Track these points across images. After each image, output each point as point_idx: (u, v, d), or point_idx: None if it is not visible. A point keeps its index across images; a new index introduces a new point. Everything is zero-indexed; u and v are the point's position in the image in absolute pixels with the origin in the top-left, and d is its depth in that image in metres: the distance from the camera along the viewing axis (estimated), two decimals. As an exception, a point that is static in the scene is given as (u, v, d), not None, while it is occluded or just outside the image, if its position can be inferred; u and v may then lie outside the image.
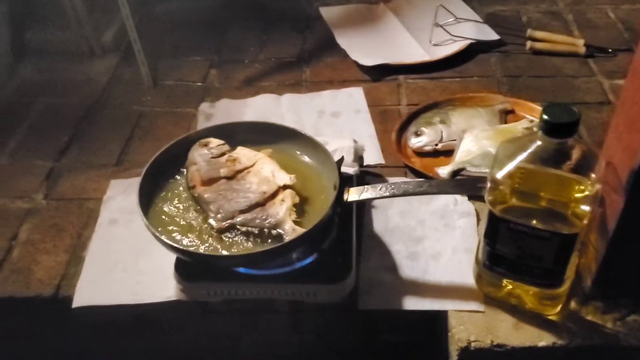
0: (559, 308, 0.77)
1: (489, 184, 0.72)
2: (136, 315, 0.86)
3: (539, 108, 1.10)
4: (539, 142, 0.68)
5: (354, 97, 1.21)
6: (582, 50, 1.27)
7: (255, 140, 0.91)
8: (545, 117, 0.65)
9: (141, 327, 0.91)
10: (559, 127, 0.65)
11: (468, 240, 0.88)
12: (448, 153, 1.04)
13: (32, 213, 0.99)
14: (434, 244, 0.89)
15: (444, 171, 0.99)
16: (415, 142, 1.05)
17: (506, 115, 1.12)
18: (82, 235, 0.94)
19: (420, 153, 1.05)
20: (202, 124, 1.16)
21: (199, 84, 1.28)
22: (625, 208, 0.69)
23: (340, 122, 1.15)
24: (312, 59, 1.34)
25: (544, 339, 0.75)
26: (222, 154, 0.87)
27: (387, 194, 0.79)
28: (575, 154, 0.69)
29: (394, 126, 1.10)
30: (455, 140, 1.04)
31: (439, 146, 1.04)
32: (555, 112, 0.65)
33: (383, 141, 1.09)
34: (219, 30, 1.45)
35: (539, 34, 1.32)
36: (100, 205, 0.98)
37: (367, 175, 1.01)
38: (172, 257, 0.83)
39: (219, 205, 0.81)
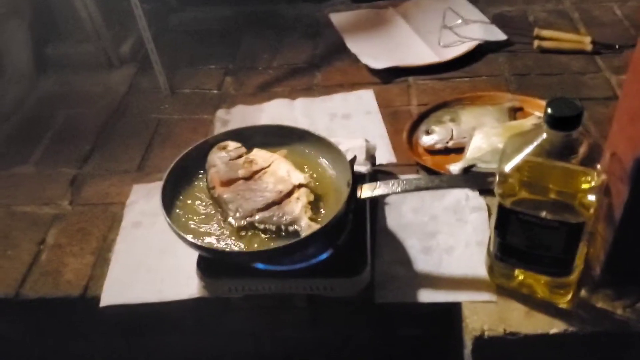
0: (569, 297, 0.80)
1: (497, 178, 0.75)
2: (161, 313, 0.90)
3: (547, 105, 1.12)
4: (544, 136, 0.70)
5: (364, 99, 1.24)
6: (589, 47, 1.29)
7: (270, 142, 0.94)
8: (549, 111, 0.68)
9: (166, 325, 0.94)
10: (563, 121, 0.68)
11: (480, 234, 0.90)
12: (459, 151, 1.06)
13: (59, 218, 1.03)
14: (447, 238, 0.91)
15: (455, 168, 1.02)
16: (426, 140, 1.08)
17: (515, 113, 1.14)
18: (107, 238, 0.98)
19: (432, 151, 1.08)
20: (219, 130, 1.20)
21: (215, 91, 1.32)
22: (630, 196, 0.71)
23: (351, 123, 1.18)
24: (323, 64, 1.37)
25: (556, 327, 0.77)
26: (240, 156, 0.91)
27: (399, 189, 0.82)
28: (581, 147, 0.71)
29: (404, 126, 1.13)
30: (465, 138, 1.07)
31: (450, 144, 1.07)
32: (559, 106, 0.68)
33: (394, 141, 1.12)
34: (232, 39, 1.49)
35: (546, 32, 1.34)
36: (124, 209, 1.02)
37: (379, 174, 1.03)
38: (194, 256, 0.86)
39: (237, 204, 0.84)
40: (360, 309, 0.89)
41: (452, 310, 0.84)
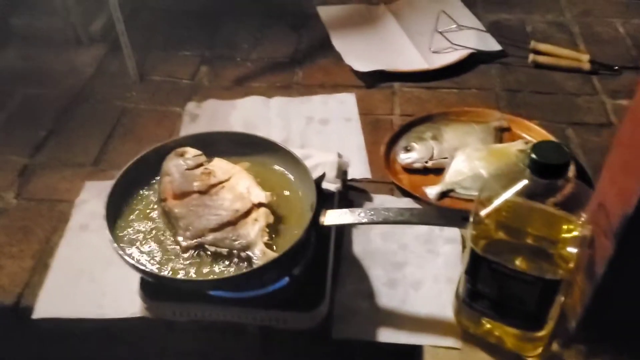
0: (540, 350, 0.74)
1: (472, 219, 0.68)
2: (100, 328, 0.83)
3: (536, 127, 1.06)
4: (525, 181, 0.63)
5: (345, 104, 1.16)
6: (587, 66, 1.22)
7: (235, 151, 0.87)
8: (533, 156, 0.61)
9: (105, 338, 0.87)
10: (548, 168, 0.61)
11: (451, 269, 0.84)
12: (438, 171, 0.99)
13: (1, 213, 0.95)
14: (415, 270, 0.85)
15: (432, 191, 0.95)
16: (404, 157, 1.01)
17: (502, 133, 1.07)
18: (50, 240, 0.90)
19: (410, 170, 1.01)
20: (187, 125, 1.12)
21: (187, 81, 1.23)
22: (614, 254, 0.65)
23: (328, 130, 1.11)
24: (306, 60, 1.29)
25: (523, 382, 0.72)
26: (198, 166, 0.83)
27: (366, 220, 0.75)
28: (566, 191, 0.65)
29: (384, 138, 1.05)
30: (446, 158, 1.00)
31: (429, 164, 1.00)
32: (545, 151, 0.61)
33: (372, 153, 1.04)
34: (212, 25, 1.39)
35: (542, 46, 1.26)
36: (72, 209, 0.94)
37: (351, 190, 0.96)
38: (140, 271, 0.79)
39: (188, 221, 0.77)
40: (316, 342, 0.82)
41: (414, 353, 0.78)
